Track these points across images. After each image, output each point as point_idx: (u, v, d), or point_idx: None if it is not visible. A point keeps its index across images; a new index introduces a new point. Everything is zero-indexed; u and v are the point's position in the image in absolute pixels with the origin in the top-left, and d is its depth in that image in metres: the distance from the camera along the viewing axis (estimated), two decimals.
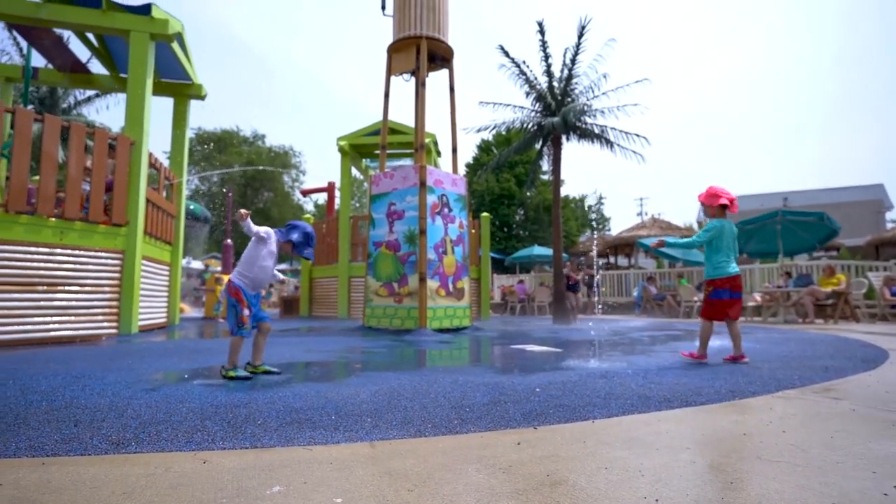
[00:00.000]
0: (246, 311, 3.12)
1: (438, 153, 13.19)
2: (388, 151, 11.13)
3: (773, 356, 4.27)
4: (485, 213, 13.17)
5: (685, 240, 4.17)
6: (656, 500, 1.25)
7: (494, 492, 1.30)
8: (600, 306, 10.68)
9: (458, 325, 7.64)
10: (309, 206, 35.83)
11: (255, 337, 3.29)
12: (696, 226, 41.91)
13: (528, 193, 24.97)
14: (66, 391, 2.54)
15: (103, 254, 5.98)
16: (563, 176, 10.71)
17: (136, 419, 2.01)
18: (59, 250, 5.49)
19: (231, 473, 1.42)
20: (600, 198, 36.94)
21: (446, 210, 7.71)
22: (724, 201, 3.90)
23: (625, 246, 20.46)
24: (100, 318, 5.92)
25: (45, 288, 5.33)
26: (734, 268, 3.93)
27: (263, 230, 3.23)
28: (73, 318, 5.59)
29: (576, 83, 10.28)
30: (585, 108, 9.90)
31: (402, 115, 16.88)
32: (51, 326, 5.36)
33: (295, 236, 3.29)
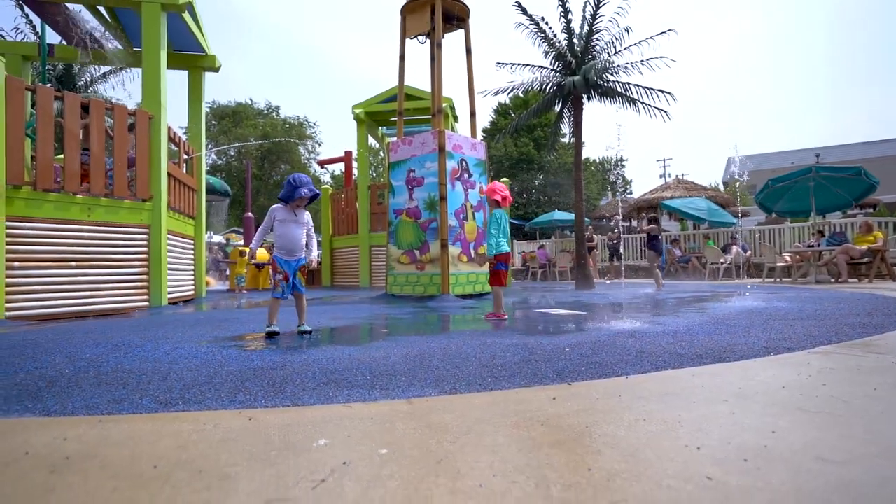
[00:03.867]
0: (278, 276, 3.53)
1: (456, 118, 12.99)
2: (405, 118, 10.99)
3: (806, 314, 4.19)
4: (504, 178, 13.02)
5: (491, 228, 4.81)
6: (698, 448, 1.25)
7: (536, 442, 1.32)
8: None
9: (480, 290, 7.67)
10: (326, 177, 35.89)
11: (295, 302, 3.74)
12: (721, 186, 40.81)
13: (548, 157, 24.55)
14: (110, 358, 2.63)
15: (130, 229, 6.11)
16: (583, 138, 10.45)
17: (179, 382, 2.07)
18: (87, 226, 5.63)
19: (276, 428, 1.46)
20: (621, 159, 36.10)
21: (466, 175, 7.63)
22: (495, 197, 4.80)
23: (648, 208, 20.09)
24: (131, 291, 6.10)
25: (76, 263, 5.50)
26: (506, 247, 4.82)
27: (263, 223, 3.66)
28: (105, 293, 5.78)
29: (597, 39, 9.91)
30: (607, 64, 9.55)
31: (418, 80, 16.57)
32: (85, 300, 5.55)
33: (282, 193, 3.61)
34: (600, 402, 1.73)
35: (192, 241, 8.30)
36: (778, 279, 10.55)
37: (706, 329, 3.45)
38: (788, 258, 10.65)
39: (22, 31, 16.71)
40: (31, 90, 5.40)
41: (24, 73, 8.69)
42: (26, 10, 14.82)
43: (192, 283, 8.36)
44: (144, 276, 6.28)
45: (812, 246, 10.22)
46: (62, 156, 5.66)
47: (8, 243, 4.95)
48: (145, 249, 6.30)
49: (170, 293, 6.81)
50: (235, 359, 2.60)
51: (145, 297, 6.28)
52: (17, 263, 5.02)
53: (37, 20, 11.39)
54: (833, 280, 9.48)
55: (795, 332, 3.22)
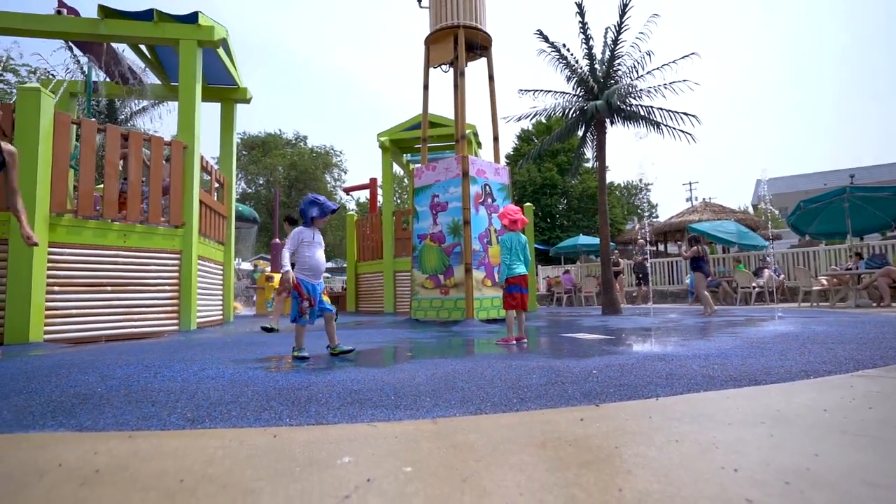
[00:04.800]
0: (305, 303, 3.47)
1: (479, 144, 13.14)
2: (429, 145, 11.17)
3: (846, 338, 4.01)
4: (527, 204, 13.02)
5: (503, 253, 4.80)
6: (735, 470, 1.20)
7: (564, 462, 1.28)
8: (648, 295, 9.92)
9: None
10: (351, 204, 36.55)
11: (325, 325, 3.72)
12: (751, 209, 39.89)
13: (572, 182, 24.49)
14: (141, 377, 2.69)
15: (163, 254, 6.30)
16: (607, 162, 10.41)
17: (206, 400, 2.10)
18: (122, 252, 5.83)
19: (301, 446, 1.46)
20: (647, 184, 35.76)
21: (489, 200, 7.67)
22: (505, 221, 4.77)
23: (675, 232, 19.75)
24: (162, 315, 6.26)
25: (111, 288, 5.68)
26: (522, 268, 4.79)
27: (289, 245, 3.58)
28: (137, 316, 5.94)
29: (619, 64, 9.96)
30: (630, 89, 9.57)
31: (442, 107, 16.89)
32: (118, 324, 5.72)
33: (313, 212, 3.59)
34: (630, 423, 1.67)
35: (221, 267, 8.50)
36: (814, 304, 10.15)
37: (739, 352, 3.33)
38: (825, 281, 10.26)
39: (70, 70, 17.79)
40: (76, 123, 5.71)
41: (71, 108, 9.21)
42: (75, 51, 15.79)
43: (221, 307, 8.52)
44: (175, 301, 6.45)
45: (850, 269, 9.83)
46: (101, 185, 5.93)
47: (49, 269, 5.16)
48: (176, 274, 6.48)
49: (199, 317, 6.96)
50: (261, 379, 2.62)
51: (175, 321, 6.43)
52: (57, 288, 5.22)
53: (83, 59, 12.15)
54: (874, 304, 9.07)
55: (836, 355, 3.08)
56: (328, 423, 1.73)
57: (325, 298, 3.67)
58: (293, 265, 3.55)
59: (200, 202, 7.04)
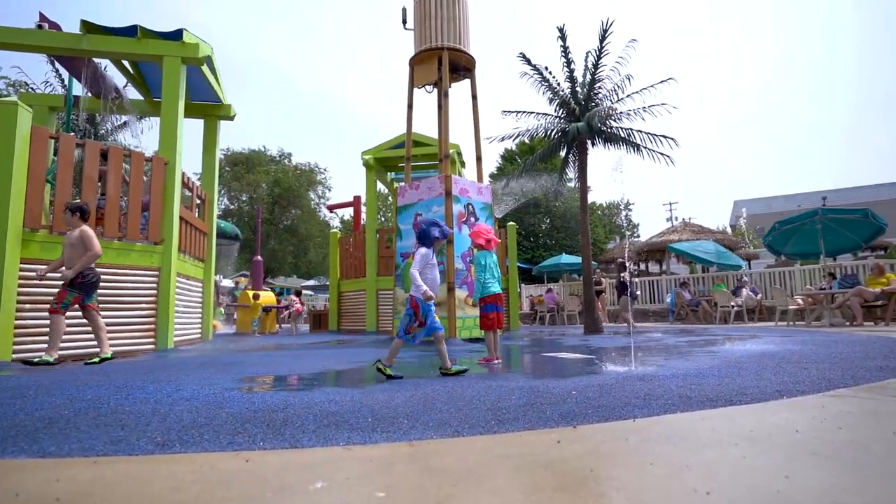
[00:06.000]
0: (416, 323, 3.47)
1: (462, 164, 13.25)
2: (413, 164, 11.24)
3: (820, 357, 4.09)
4: (510, 223, 13.12)
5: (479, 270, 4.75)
6: (707, 493, 1.20)
7: (538, 486, 1.27)
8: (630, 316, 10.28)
9: None
10: (335, 222, 36.40)
11: (436, 345, 3.61)
12: (729, 229, 40.77)
13: (555, 203, 24.78)
14: (111, 399, 2.61)
15: (140, 271, 6.18)
16: (589, 182, 10.59)
17: (178, 423, 2.05)
18: (98, 269, 5.70)
19: (274, 471, 1.43)
20: (628, 203, 36.33)
21: (473, 219, 7.71)
22: (479, 242, 4.68)
23: (656, 252, 20.06)
24: (138, 334, 6.11)
25: None
26: (497, 287, 4.77)
27: (418, 266, 3.56)
28: (112, 335, 5.77)
29: (599, 87, 10.20)
30: (610, 111, 9.79)
31: (426, 127, 17.06)
32: (92, 343, 5.55)
33: (435, 233, 3.67)
34: (606, 445, 1.68)
35: (200, 284, 8.36)
36: (791, 322, 10.35)
37: (717, 372, 3.37)
38: (800, 301, 10.48)
39: (51, 85, 17.59)
40: (54, 138, 5.63)
41: (50, 122, 9.08)
42: (57, 65, 15.65)
43: (200, 325, 8.35)
44: (152, 319, 6.30)
45: (824, 288, 10.07)
46: (78, 200, 5.83)
47: (20, 286, 5.02)
48: (154, 292, 6.35)
49: (176, 336, 6.81)
50: (237, 400, 2.57)
51: (152, 339, 6.28)
52: (28, 305, 5.07)
53: (65, 74, 12.02)
54: (848, 323, 9.28)
55: (809, 375, 3.13)
56: (303, 447, 1.70)
57: (436, 318, 3.64)
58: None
59: (181, 218, 6.95)
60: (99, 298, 5.70)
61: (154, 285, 6.36)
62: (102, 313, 5.71)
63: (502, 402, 2.45)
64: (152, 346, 6.26)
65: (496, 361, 4.46)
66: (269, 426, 1.98)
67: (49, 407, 2.40)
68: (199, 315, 8.37)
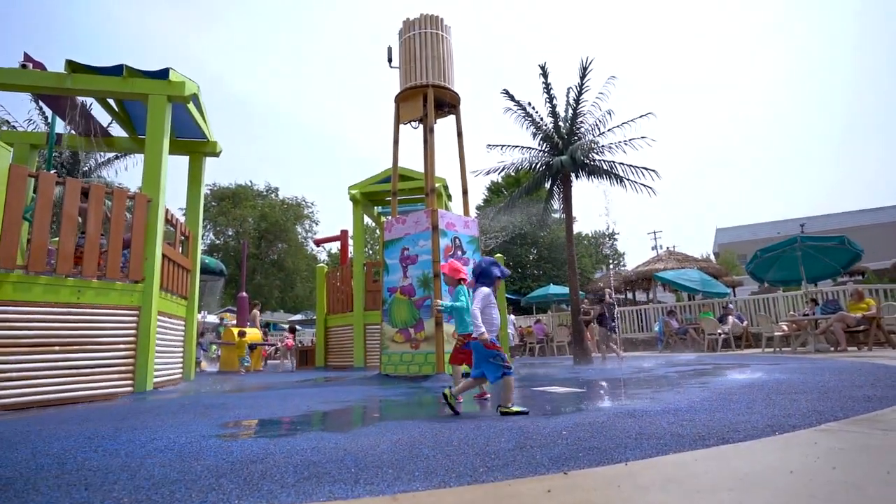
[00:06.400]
0: (506, 355, 3.53)
1: (449, 197, 13.35)
2: (400, 198, 11.29)
3: (809, 387, 4.07)
4: (498, 254, 13.16)
5: (454, 304, 4.58)
6: None
7: None
8: (617, 346, 10.38)
9: None
10: (322, 256, 36.20)
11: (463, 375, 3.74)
12: (713, 257, 41.36)
13: (542, 234, 25.00)
14: (78, 453, 2.48)
15: (119, 311, 6.02)
16: (574, 213, 10.72)
17: (148, 480, 1.93)
18: (75, 309, 5.54)
19: None
20: (613, 233, 36.77)
21: (459, 252, 7.71)
22: (462, 276, 4.58)
23: (642, 280, 20.20)
24: (115, 376, 5.89)
25: (59, 348, 5.34)
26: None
27: (481, 304, 3.59)
28: (88, 378, 5.56)
29: (581, 122, 10.46)
30: (592, 145, 10.01)
31: (412, 161, 17.25)
32: (65, 387, 5.33)
33: (496, 273, 3.73)
34: (597, 493, 1.61)
35: (183, 322, 8.17)
36: (777, 349, 10.39)
37: (708, 406, 3.33)
38: (785, 327, 10.56)
39: (34, 122, 17.56)
40: (34, 176, 5.55)
41: (31, 160, 8.98)
42: (41, 103, 15.65)
43: (181, 365, 8.11)
44: (131, 360, 6.10)
45: (807, 314, 10.17)
46: (57, 238, 5.71)
47: None
48: (133, 332, 6.16)
49: (156, 377, 6.58)
50: (213, 451, 2.45)
51: (130, 381, 6.05)
52: (0, 349, 4.88)
53: (48, 111, 12.01)
54: (832, 349, 9.34)
55: (800, 407, 3.11)
56: None
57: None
58: (489, 329, 3.58)
59: (163, 256, 6.83)
60: (76, 340, 5.52)
61: (134, 325, 6.18)
62: (79, 355, 5.52)
63: (491, 445, 2.38)
64: (131, 389, 6.03)
65: (488, 396, 4.46)
66: (246, 481, 1.88)
67: (9, 463, 2.26)
68: (181, 354, 8.13)
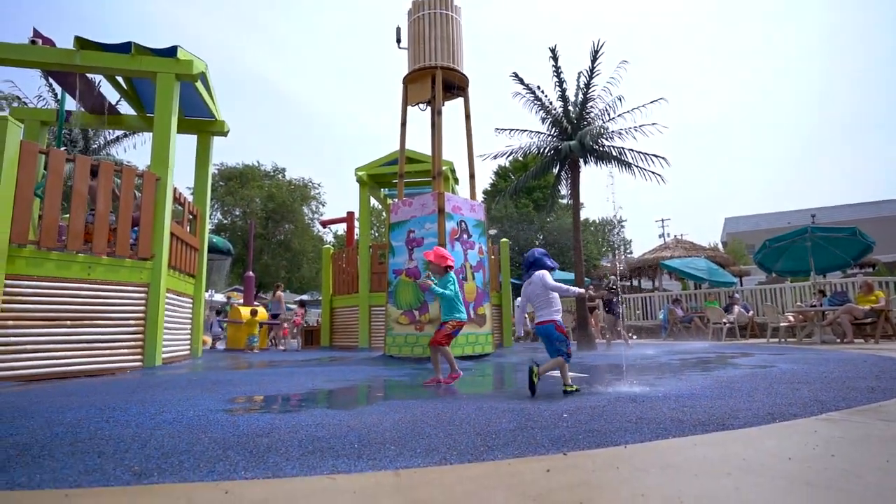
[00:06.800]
0: (572, 343, 3.59)
1: (456, 180, 13.30)
2: (407, 180, 11.26)
3: (811, 377, 4.08)
4: (504, 239, 13.14)
5: (440, 290, 4.54)
6: None
7: None
8: (625, 332, 10.52)
9: (480, 351, 7.53)
10: (329, 237, 36.28)
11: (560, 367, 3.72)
12: (720, 245, 41.05)
13: (548, 219, 24.90)
14: (91, 423, 2.54)
15: (129, 287, 6.10)
16: (582, 199, 10.66)
17: (158, 449, 1.99)
18: (86, 285, 5.62)
19: (253, 503, 1.38)
20: (620, 220, 36.56)
21: (465, 236, 7.71)
22: (449, 263, 4.65)
23: (648, 268, 20.13)
24: (124, 351, 6.00)
25: (70, 322, 5.44)
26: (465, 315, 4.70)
27: (553, 284, 3.71)
28: (98, 352, 5.67)
29: (591, 107, 10.33)
30: (602, 130, 9.90)
31: (420, 144, 17.15)
32: (77, 360, 5.44)
33: (551, 263, 3.88)
34: (597, 474, 1.64)
35: (191, 300, 8.27)
36: (783, 339, 10.37)
37: (709, 393, 3.35)
38: (791, 318, 10.52)
39: (44, 99, 17.59)
40: (44, 153, 5.58)
41: (42, 137, 9.03)
42: (50, 80, 15.66)
43: (189, 342, 8.23)
44: (140, 336, 6.20)
45: (814, 305, 10.12)
46: (68, 216, 5.76)
47: (5, 301, 4.92)
48: (143, 308, 6.25)
49: (164, 353, 6.69)
50: (221, 424, 2.51)
51: (139, 356, 6.16)
52: (10, 322, 4.97)
53: (58, 89, 12.02)
54: (839, 340, 9.31)
55: (801, 396, 3.12)
56: (285, 476, 1.65)
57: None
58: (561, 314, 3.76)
59: (172, 234, 6.89)
60: (86, 315, 5.62)
61: (143, 301, 6.27)
62: (89, 329, 5.62)
63: (492, 425, 2.41)
64: (140, 364, 6.14)
65: (456, 378, 4.44)
66: (253, 453, 1.92)
67: (25, 431, 2.33)
68: (189, 331, 8.25)
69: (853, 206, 43.72)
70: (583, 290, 4.21)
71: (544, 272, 3.76)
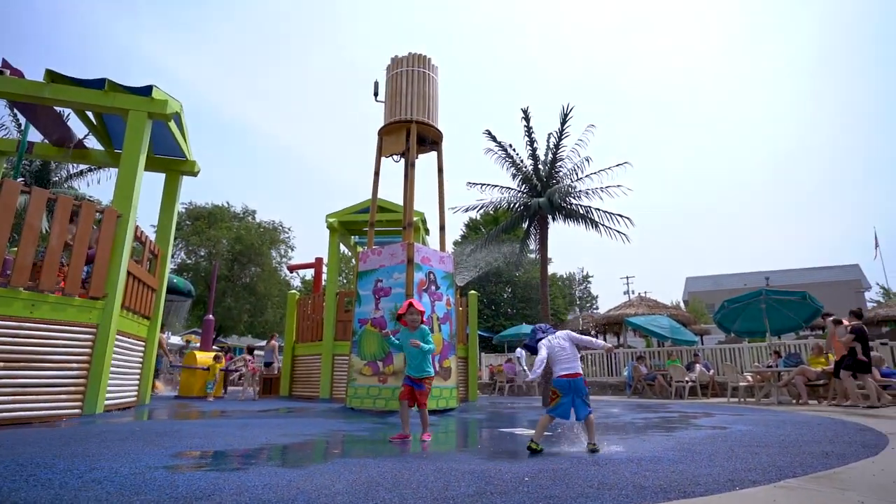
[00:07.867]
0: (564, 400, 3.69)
1: (427, 231, 13.40)
2: (377, 229, 11.27)
3: (770, 440, 4.12)
4: (472, 291, 13.17)
5: (430, 346, 4.57)
6: None
7: None
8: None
9: (444, 406, 7.34)
10: (296, 282, 35.61)
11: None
12: (682, 304, 42.20)
13: (516, 273, 25.21)
14: (6, 483, 2.31)
15: (75, 328, 5.75)
16: (549, 254, 10.88)
17: None
18: (27, 324, 5.28)
19: None
20: (586, 276, 37.35)
21: (433, 287, 7.68)
22: (421, 319, 4.61)
23: (613, 324, 20.41)
24: (63, 396, 5.57)
25: (3, 364, 5.04)
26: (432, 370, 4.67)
27: (542, 356, 3.89)
28: (32, 397, 5.25)
29: (560, 166, 10.75)
30: (570, 189, 10.26)
31: (392, 193, 17.34)
32: (6, 406, 5.01)
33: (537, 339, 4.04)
34: None
35: (142, 343, 7.85)
36: (742, 399, 10.52)
37: (671, 456, 3.32)
38: (750, 378, 10.74)
39: (6, 128, 17.14)
40: None
41: None
42: (15, 110, 15.35)
43: (136, 388, 7.74)
44: (82, 380, 5.79)
45: (770, 366, 10.38)
46: (16, 249, 5.49)
47: None
48: (88, 351, 5.88)
49: (108, 399, 6.25)
50: (158, 484, 2.32)
51: (79, 403, 5.73)
52: None
53: (23, 119, 11.76)
54: (794, 401, 9.51)
55: (760, 461, 3.13)
56: None
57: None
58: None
59: (129, 273, 6.62)
60: (24, 356, 5.23)
61: (90, 343, 5.90)
62: (25, 372, 5.21)
63: (450, 490, 2.31)
64: (79, 411, 5.70)
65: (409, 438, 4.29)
66: None
67: None
68: (137, 376, 7.78)
69: (802, 270, 46.03)
70: (610, 345, 4.55)
71: (567, 331, 4.05)
